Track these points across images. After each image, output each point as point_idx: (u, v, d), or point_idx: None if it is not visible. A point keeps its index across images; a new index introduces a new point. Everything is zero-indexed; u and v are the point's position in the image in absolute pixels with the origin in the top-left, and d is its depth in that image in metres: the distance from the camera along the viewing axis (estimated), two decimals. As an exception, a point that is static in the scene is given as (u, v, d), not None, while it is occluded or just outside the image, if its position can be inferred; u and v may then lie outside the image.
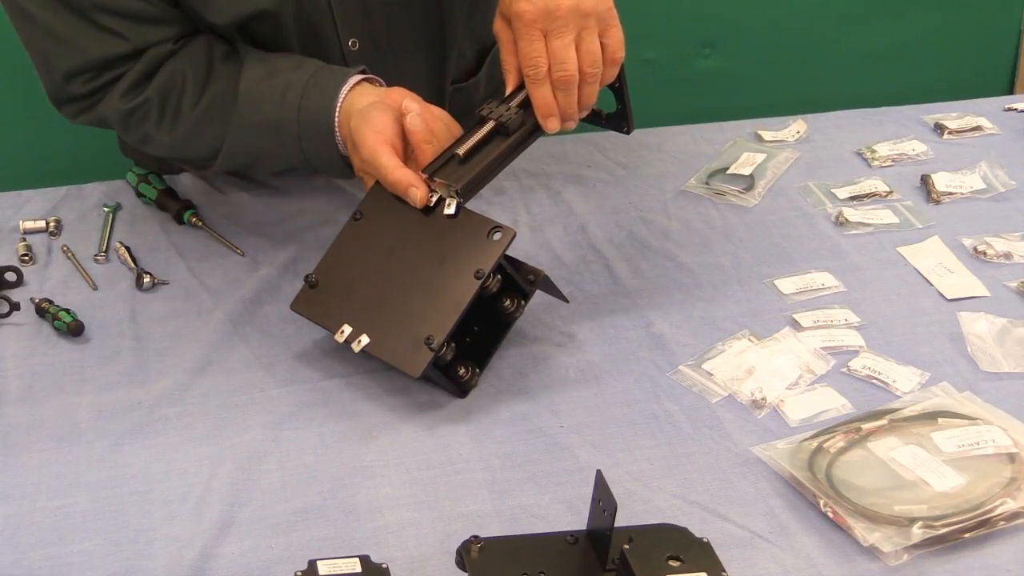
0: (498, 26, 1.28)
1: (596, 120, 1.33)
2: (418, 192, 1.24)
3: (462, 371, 1.25)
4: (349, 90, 1.33)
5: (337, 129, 1.32)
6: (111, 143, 1.65)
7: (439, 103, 1.61)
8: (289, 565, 1.06)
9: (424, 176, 1.24)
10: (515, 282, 1.26)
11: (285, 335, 1.34)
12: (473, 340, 1.26)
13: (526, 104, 1.27)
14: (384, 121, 1.27)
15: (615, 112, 1.33)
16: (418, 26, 1.53)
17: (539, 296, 1.30)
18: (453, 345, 1.22)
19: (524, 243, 1.46)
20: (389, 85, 1.55)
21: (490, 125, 1.26)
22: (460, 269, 1.21)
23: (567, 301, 1.35)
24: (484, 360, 1.27)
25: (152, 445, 1.21)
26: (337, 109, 1.32)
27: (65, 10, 1.34)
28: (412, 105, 1.28)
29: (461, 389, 1.25)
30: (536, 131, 1.28)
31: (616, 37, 1.26)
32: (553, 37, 1.23)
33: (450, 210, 1.23)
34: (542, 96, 1.25)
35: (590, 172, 1.61)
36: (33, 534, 1.12)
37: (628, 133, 1.34)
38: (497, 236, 1.21)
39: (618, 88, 1.31)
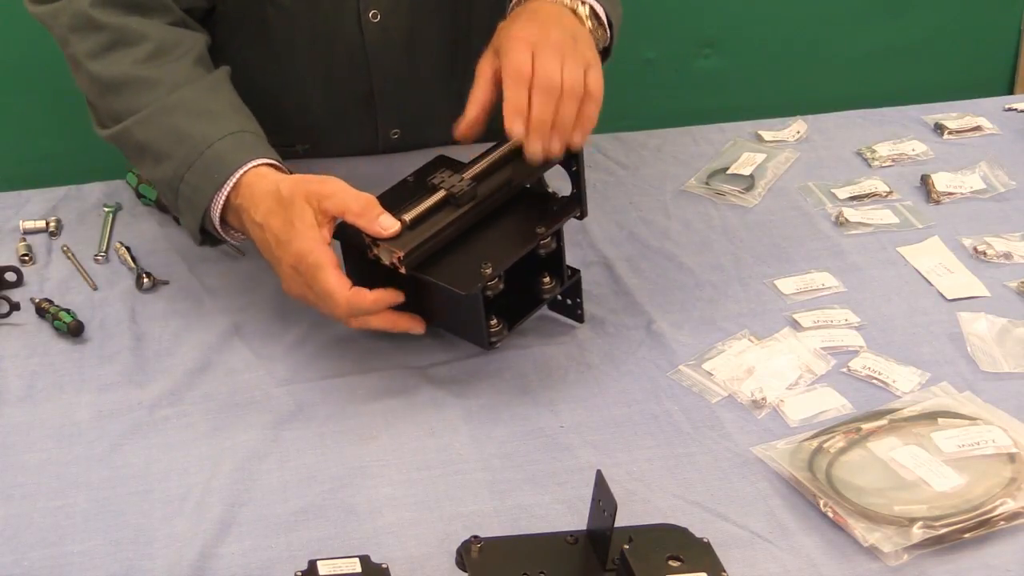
0: (483, 63, 1.27)
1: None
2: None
3: (494, 322, 1.25)
4: (261, 164, 1.28)
5: (228, 186, 1.27)
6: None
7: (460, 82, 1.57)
8: (289, 565, 1.06)
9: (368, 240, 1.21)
10: (560, 263, 1.28)
11: (285, 335, 1.34)
12: (508, 303, 1.26)
13: (479, 177, 1.25)
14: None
15: (570, 197, 1.30)
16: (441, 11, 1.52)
17: (539, 296, 1.31)
18: (503, 277, 1.22)
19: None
20: (409, 63, 1.51)
21: (440, 194, 1.24)
22: (522, 226, 1.25)
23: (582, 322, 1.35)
24: (513, 324, 1.27)
25: (152, 445, 1.21)
26: (245, 166, 1.27)
27: None
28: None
29: (489, 340, 1.24)
30: (487, 201, 1.25)
31: (596, 77, 1.25)
32: (541, 54, 1.22)
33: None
34: (518, 97, 1.22)
35: (590, 172, 1.61)
36: (33, 534, 1.12)
37: (581, 217, 1.31)
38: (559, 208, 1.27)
39: (575, 171, 1.28)
